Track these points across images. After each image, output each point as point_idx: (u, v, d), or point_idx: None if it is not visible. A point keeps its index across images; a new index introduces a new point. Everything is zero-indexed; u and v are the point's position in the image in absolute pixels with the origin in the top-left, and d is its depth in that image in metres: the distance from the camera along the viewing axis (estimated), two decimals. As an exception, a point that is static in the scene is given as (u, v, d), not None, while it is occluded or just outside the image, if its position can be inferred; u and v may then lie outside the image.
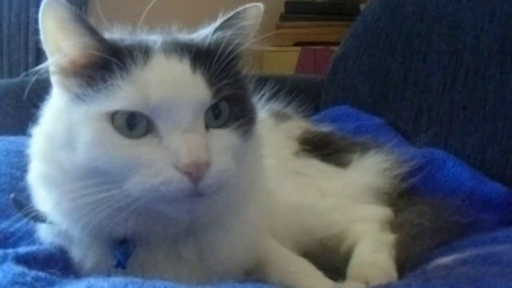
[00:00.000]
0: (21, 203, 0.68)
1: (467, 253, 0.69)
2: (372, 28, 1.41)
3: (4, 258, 0.58)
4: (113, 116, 0.55)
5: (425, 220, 0.79)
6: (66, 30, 0.57)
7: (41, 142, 0.61)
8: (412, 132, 1.24)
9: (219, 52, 0.60)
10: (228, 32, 0.62)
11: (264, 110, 0.97)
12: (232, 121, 0.61)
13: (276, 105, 1.03)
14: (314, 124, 1.07)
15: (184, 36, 0.65)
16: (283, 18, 2.73)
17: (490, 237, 0.77)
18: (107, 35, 0.62)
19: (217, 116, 0.60)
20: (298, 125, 1.00)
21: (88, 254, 0.63)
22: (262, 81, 0.98)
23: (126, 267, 0.61)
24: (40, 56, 2.29)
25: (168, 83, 0.56)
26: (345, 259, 0.78)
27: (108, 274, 0.58)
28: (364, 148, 0.96)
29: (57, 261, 0.63)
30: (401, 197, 0.91)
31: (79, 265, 0.64)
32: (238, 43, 0.64)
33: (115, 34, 0.65)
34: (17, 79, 1.67)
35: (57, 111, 0.60)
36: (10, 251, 0.60)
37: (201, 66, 0.58)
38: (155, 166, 0.54)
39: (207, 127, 0.59)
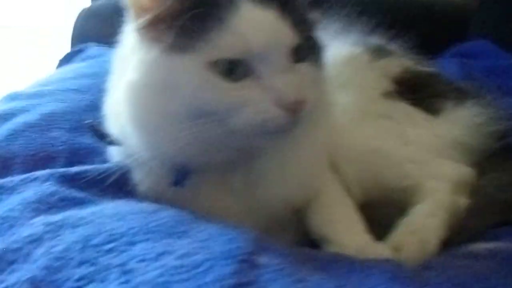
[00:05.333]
0: (95, 127, 0.75)
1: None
2: None
3: (48, 177, 0.65)
4: (214, 64, 0.58)
5: (499, 191, 0.71)
6: None
7: (132, 92, 0.64)
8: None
9: None
10: None
11: (354, 45, 0.91)
12: (310, 53, 0.64)
13: (375, 39, 0.96)
14: (420, 64, 0.96)
15: None
16: None
17: None
18: None
19: (297, 52, 0.62)
20: (398, 63, 0.92)
21: (148, 175, 0.69)
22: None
23: (183, 186, 0.66)
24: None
25: (264, 31, 0.59)
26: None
27: (159, 195, 0.66)
28: (463, 97, 0.87)
29: (107, 181, 0.69)
30: (492, 157, 0.81)
31: (138, 185, 0.70)
32: None
33: None
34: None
35: (148, 64, 0.62)
36: (60, 170, 0.67)
37: (284, 11, 0.60)
38: (260, 105, 0.59)
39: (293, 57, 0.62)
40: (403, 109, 0.85)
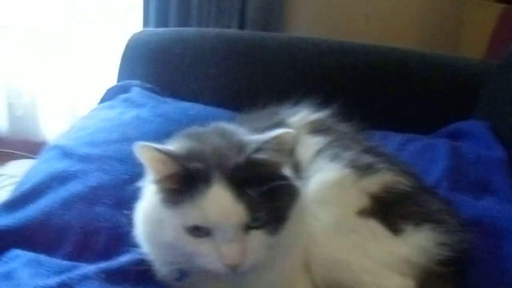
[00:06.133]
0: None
1: None
2: None
3: (95, 276, 0.90)
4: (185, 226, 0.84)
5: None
6: (154, 162, 0.85)
7: (143, 216, 0.93)
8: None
9: (257, 176, 0.84)
10: (266, 155, 0.85)
11: (345, 166, 1.11)
12: (267, 224, 0.86)
13: (366, 157, 1.15)
14: (403, 178, 1.13)
15: (233, 151, 0.87)
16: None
17: None
18: (181, 144, 0.88)
19: (256, 220, 0.84)
20: (380, 181, 1.10)
21: (160, 268, 0.95)
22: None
23: (184, 281, 0.94)
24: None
25: (219, 211, 0.82)
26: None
27: (172, 283, 0.93)
28: (424, 220, 1.06)
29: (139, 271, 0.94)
30: (430, 279, 1.02)
31: (156, 272, 0.96)
32: (275, 162, 0.87)
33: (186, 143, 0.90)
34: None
35: (153, 203, 0.89)
36: (102, 266, 0.92)
37: (243, 195, 0.82)
38: (209, 257, 0.84)
39: (248, 228, 0.84)
40: (371, 227, 1.05)
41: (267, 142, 0.85)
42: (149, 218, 0.90)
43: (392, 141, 1.62)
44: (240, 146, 0.88)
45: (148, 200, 0.92)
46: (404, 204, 1.10)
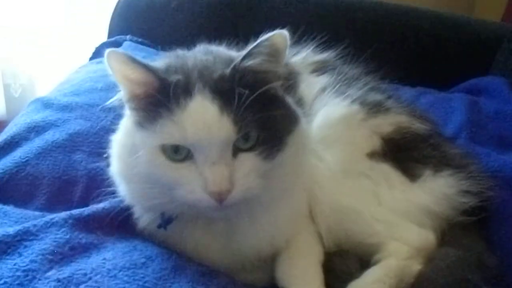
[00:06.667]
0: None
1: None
2: None
3: (63, 223, 0.77)
4: (162, 146, 0.69)
5: (446, 267, 0.80)
6: (126, 74, 0.71)
7: (117, 148, 0.79)
8: None
9: (246, 86, 0.69)
10: (256, 61, 0.71)
11: (353, 103, 0.98)
12: (259, 145, 0.71)
13: (376, 95, 1.02)
14: (417, 120, 1.01)
15: (219, 64, 0.74)
16: None
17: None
18: (161, 61, 0.74)
19: (246, 139, 0.70)
20: (392, 121, 0.98)
21: (141, 216, 0.82)
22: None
23: (167, 229, 0.79)
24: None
25: (200, 125, 0.68)
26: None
27: (154, 233, 0.80)
28: (442, 165, 0.94)
29: (116, 219, 0.82)
30: (453, 230, 0.89)
31: (137, 222, 0.83)
32: (266, 71, 0.72)
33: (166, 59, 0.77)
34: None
35: (127, 128, 0.76)
36: (74, 212, 0.80)
37: (229, 106, 0.68)
38: (191, 185, 0.69)
39: (237, 150, 0.70)
40: (383, 171, 0.92)
41: (256, 46, 0.71)
42: (123, 145, 0.76)
43: (404, 94, 1.48)
44: (227, 60, 0.74)
45: (122, 127, 0.79)
46: (421, 147, 0.97)
